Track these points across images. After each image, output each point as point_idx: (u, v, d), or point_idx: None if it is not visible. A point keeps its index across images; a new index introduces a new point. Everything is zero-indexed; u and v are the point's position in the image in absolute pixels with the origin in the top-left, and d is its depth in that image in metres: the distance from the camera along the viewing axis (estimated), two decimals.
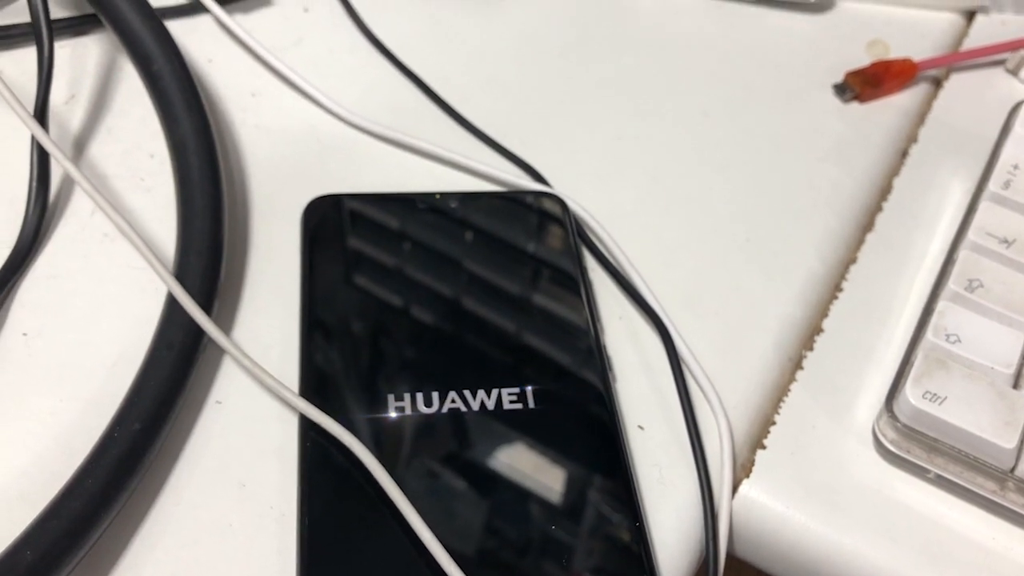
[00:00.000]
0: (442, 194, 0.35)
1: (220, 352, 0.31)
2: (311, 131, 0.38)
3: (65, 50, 0.39)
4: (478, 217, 0.34)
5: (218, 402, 0.30)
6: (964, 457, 0.28)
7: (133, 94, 0.38)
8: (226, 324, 0.32)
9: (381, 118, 0.38)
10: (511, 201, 0.35)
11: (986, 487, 0.29)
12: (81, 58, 0.39)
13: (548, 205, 0.35)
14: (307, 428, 0.28)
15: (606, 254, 0.35)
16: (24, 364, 0.30)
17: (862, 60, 0.42)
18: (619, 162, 0.38)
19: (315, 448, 0.28)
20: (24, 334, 0.31)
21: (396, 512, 0.26)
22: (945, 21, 0.45)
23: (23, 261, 0.32)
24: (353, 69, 0.40)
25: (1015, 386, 0.30)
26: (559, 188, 0.36)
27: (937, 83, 0.42)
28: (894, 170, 0.39)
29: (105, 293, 0.32)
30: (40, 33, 0.35)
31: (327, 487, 0.27)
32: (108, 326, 0.31)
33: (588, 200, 0.36)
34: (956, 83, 0.42)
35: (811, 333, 0.33)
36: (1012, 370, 0.29)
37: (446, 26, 0.42)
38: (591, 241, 0.35)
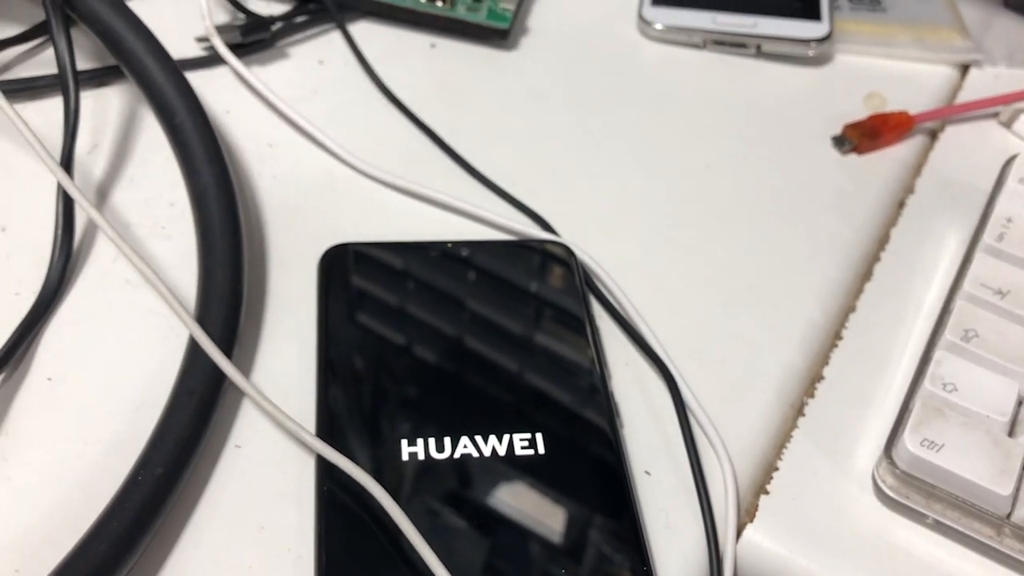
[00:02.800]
0: (453, 243, 0.36)
1: (239, 397, 0.32)
2: (327, 180, 0.39)
3: (88, 100, 0.40)
4: (489, 265, 0.36)
5: (237, 446, 0.31)
6: (961, 503, 0.29)
7: (153, 144, 0.39)
8: (245, 370, 0.33)
9: (394, 168, 0.39)
10: (520, 249, 0.36)
11: (983, 533, 0.29)
12: (103, 108, 0.40)
13: (556, 253, 0.36)
14: (323, 471, 0.29)
15: (612, 302, 0.36)
16: (49, 408, 0.31)
17: (860, 112, 0.43)
18: (625, 212, 0.39)
19: (331, 491, 0.29)
20: (49, 378, 0.32)
21: (411, 553, 0.27)
22: (940, 74, 0.46)
23: (48, 307, 0.33)
24: (367, 120, 0.41)
25: (1010, 434, 0.31)
26: (567, 237, 0.38)
27: (933, 135, 0.43)
28: (892, 221, 0.40)
29: (127, 339, 0.33)
30: (67, 84, 0.36)
31: (343, 529, 0.28)
32: (130, 371, 0.32)
33: (595, 249, 0.37)
34: (951, 135, 0.43)
35: (812, 380, 0.34)
36: (1007, 418, 0.30)
37: (456, 79, 0.44)
38: (598, 289, 0.36)
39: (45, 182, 0.37)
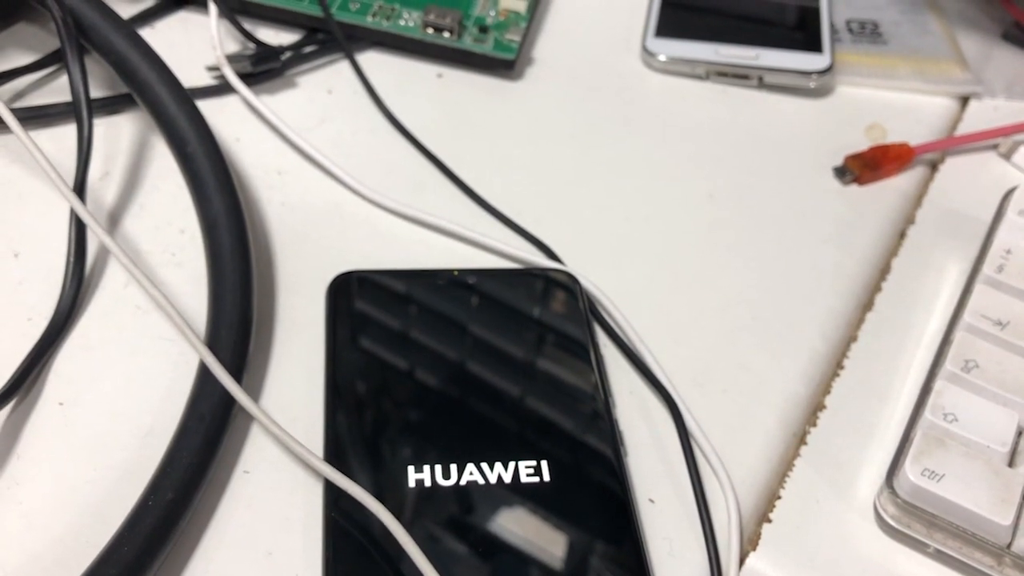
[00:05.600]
0: (460, 271, 0.37)
1: (247, 423, 0.32)
2: (335, 208, 0.39)
3: (100, 128, 0.41)
4: (494, 293, 0.36)
5: (245, 472, 0.31)
6: (962, 532, 0.29)
7: (164, 171, 0.40)
8: (253, 395, 0.33)
9: (401, 196, 0.40)
10: (526, 277, 0.37)
11: (984, 562, 0.30)
12: (115, 136, 0.41)
13: (561, 281, 0.37)
14: (331, 496, 0.29)
15: (617, 330, 0.36)
16: (60, 433, 0.31)
17: (861, 144, 0.44)
18: (629, 241, 0.39)
19: (338, 516, 0.29)
20: (60, 404, 0.32)
21: None
22: (940, 106, 0.47)
23: (60, 332, 0.34)
24: (374, 149, 0.42)
25: (1010, 464, 0.31)
26: (571, 265, 0.38)
27: (933, 166, 0.44)
28: (893, 251, 0.40)
29: (137, 364, 0.33)
30: (80, 112, 0.37)
31: (350, 554, 0.28)
32: (141, 397, 0.33)
33: (599, 277, 0.38)
34: (951, 166, 0.44)
35: (814, 409, 0.35)
36: (1007, 448, 0.31)
37: (463, 108, 0.44)
38: (602, 317, 0.37)
39: (57, 209, 0.38)
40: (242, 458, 0.32)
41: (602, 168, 0.42)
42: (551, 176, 0.42)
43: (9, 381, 0.31)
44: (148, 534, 0.27)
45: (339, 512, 0.29)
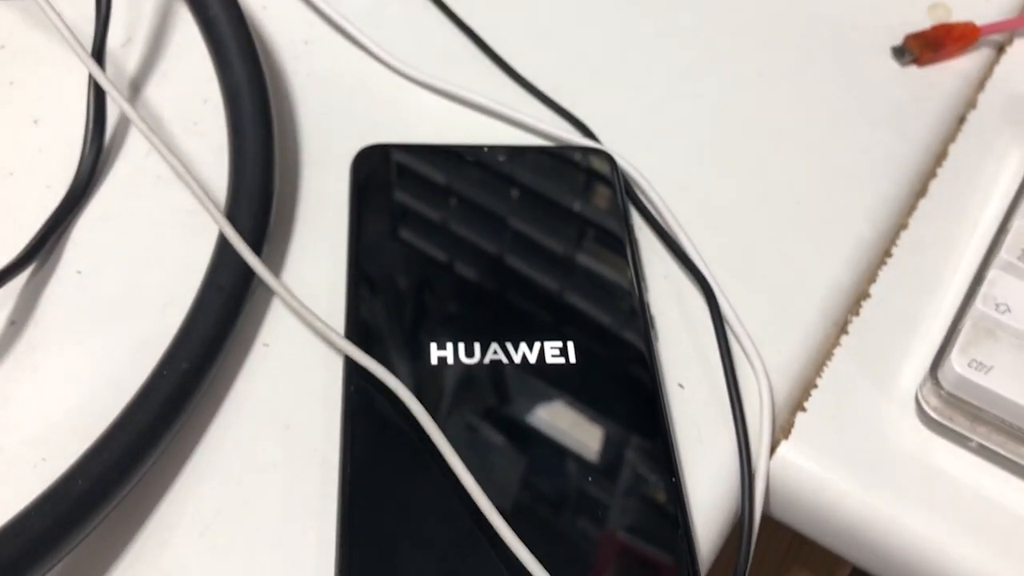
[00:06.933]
0: (490, 147, 0.35)
1: (268, 296, 0.31)
2: (362, 81, 0.38)
3: None
4: (526, 171, 0.34)
5: (265, 344, 0.30)
6: (1008, 427, 0.28)
7: (188, 39, 0.38)
8: (275, 268, 0.32)
9: (432, 69, 0.38)
10: (559, 156, 0.35)
11: None
12: (138, 2, 0.39)
13: (597, 162, 0.35)
14: (351, 372, 0.29)
15: (653, 213, 0.35)
16: (77, 302, 0.31)
17: (923, 22, 0.41)
18: (671, 121, 0.38)
19: (359, 392, 0.28)
20: (78, 272, 0.31)
21: (437, 457, 0.27)
22: None
23: (79, 200, 0.33)
24: (406, 19, 0.40)
25: None
26: (609, 145, 0.36)
27: (1000, 48, 0.41)
28: (951, 136, 0.38)
29: (157, 235, 0.33)
30: None
31: (370, 430, 0.28)
32: (159, 267, 0.32)
33: (637, 158, 0.36)
34: (1020, 48, 0.41)
35: (858, 299, 0.33)
36: None
37: None
38: (638, 199, 0.35)
39: (78, 75, 0.36)
40: (262, 331, 0.31)
41: (646, 44, 0.40)
42: (591, 51, 0.40)
43: (26, 247, 0.31)
44: (162, 403, 0.27)
45: (359, 387, 0.28)
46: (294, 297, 0.30)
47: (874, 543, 0.29)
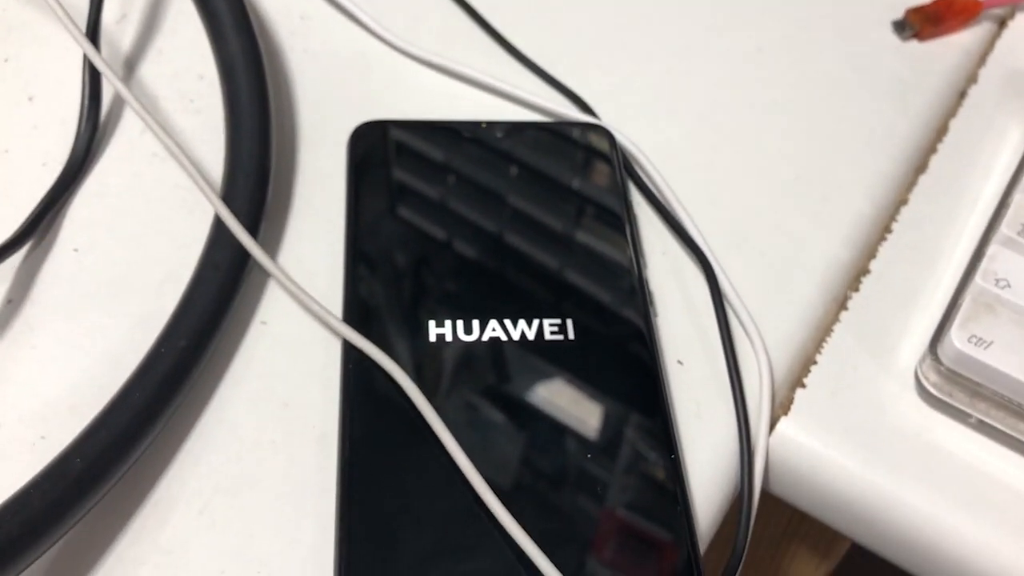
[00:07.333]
0: (488, 123, 0.35)
1: (265, 274, 0.31)
2: (359, 56, 0.38)
3: None
4: (524, 147, 0.34)
5: (263, 323, 0.30)
6: (1007, 403, 0.28)
7: (183, 15, 0.38)
8: (272, 247, 0.32)
9: (430, 45, 0.38)
10: (558, 132, 0.35)
11: None
12: None
13: (595, 137, 0.35)
14: (350, 352, 0.29)
15: (652, 189, 0.34)
16: (74, 279, 0.31)
17: None
18: (669, 95, 0.37)
19: (357, 370, 0.28)
20: (75, 249, 0.31)
21: (434, 435, 0.27)
22: None
23: (75, 177, 0.33)
24: None
25: None
26: (607, 120, 0.36)
27: (1001, 22, 0.41)
28: (951, 111, 0.38)
29: (153, 212, 0.32)
30: None
31: (368, 408, 0.28)
32: (156, 245, 0.32)
33: (636, 133, 0.36)
34: (1021, 23, 0.41)
35: (857, 274, 0.33)
36: None
37: None
38: (637, 175, 0.35)
39: (74, 52, 0.36)
40: (260, 309, 0.31)
41: (644, 18, 0.40)
42: (589, 26, 0.39)
43: (23, 224, 0.31)
44: (160, 381, 0.27)
45: (357, 367, 0.28)
46: (291, 280, 0.30)
47: (873, 519, 0.29)
